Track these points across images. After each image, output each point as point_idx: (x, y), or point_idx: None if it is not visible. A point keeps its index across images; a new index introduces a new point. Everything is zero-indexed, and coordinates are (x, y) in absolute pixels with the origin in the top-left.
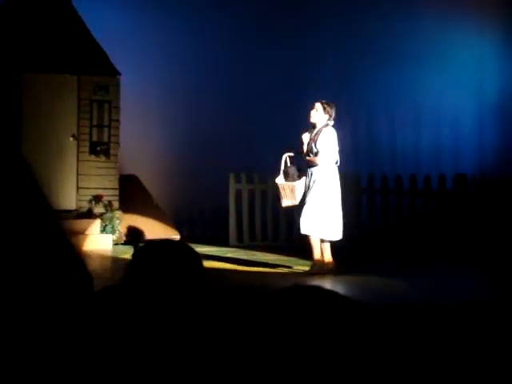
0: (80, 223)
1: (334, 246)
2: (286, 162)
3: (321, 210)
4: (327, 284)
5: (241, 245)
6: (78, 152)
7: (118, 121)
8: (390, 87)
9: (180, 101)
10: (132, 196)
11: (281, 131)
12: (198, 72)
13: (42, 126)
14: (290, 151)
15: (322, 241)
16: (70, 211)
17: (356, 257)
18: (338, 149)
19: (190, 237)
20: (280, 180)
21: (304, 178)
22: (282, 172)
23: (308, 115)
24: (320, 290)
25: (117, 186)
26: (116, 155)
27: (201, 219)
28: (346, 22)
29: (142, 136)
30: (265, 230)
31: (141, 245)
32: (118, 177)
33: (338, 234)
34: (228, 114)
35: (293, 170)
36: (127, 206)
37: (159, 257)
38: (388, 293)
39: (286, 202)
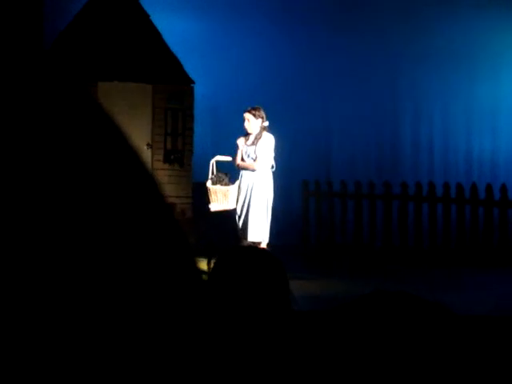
0: None
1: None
2: (213, 167)
3: (264, 215)
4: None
5: None
6: (153, 160)
7: (191, 129)
8: (466, 95)
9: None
10: (205, 204)
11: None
12: (270, 80)
13: None
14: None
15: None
16: None
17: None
18: (273, 154)
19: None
20: (211, 184)
21: (237, 182)
22: (211, 176)
23: (243, 127)
24: (405, 295)
25: (190, 194)
26: (190, 163)
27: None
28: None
29: (215, 144)
30: None
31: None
32: (191, 185)
33: (267, 237)
34: (300, 121)
35: (224, 175)
36: (200, 214)
37: (244, 264)
38: (471, 303)
39: (217, 206)
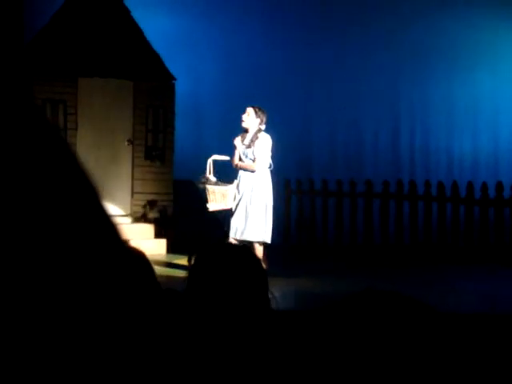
0: (134, 228)
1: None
2: (210, 167)
3: (263, 215)
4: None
5: None
6: (133, 157)
7: (172, 126)
8: (447, 93)
9: (234, 106)
10: (186, 201)
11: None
12: (252, 77)
13: (98, 131)
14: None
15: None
16: (124, 216)
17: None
18: (271, 154)
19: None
20: (209, 184)
21: (235, 182)
22: (207, 176)
23: (240, 120)
24: (396, 294)
25: (171, 192)
26: (171, 160)
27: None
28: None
29: (197, 141)
30: None
31: (196, 251)
32: (172, 182)
33: (269, 237)
34: (283, 119)
35: (215, 178)
36: (181, 211)
37: (223, 261)
38: (451, 301)
39: (215, 205)
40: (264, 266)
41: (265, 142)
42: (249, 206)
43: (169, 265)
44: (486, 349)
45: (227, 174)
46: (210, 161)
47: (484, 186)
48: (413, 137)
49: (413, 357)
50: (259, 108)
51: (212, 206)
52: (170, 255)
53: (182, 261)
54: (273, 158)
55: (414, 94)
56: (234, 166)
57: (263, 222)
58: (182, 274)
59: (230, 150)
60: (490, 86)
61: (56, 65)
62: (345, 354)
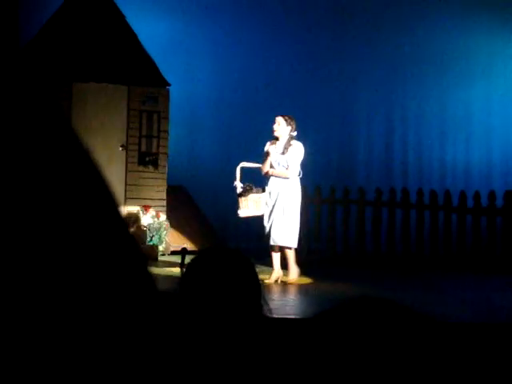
0: None
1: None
2: (239, 174)
3: (294, 221)
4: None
5: None
6: (127, 162)
7: (166, 131)
8: (440, 102)
9: (229, 112)
10: (179, 207)
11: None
12: (248, 82)
13: (91, 136)
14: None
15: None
16: None
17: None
18: (301, 162)
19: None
20: (238, 192)
21: (267, 189)
22: (239, 184)
23: (271, 130)
24: (387, 301)
25: (164, 197)
26: (164, 166)
27: (246, 232)
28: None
29: (190, 147)
30: None
31: (187, 256)
32: (165, 187)
33: (296, 242)
34: None
35: (251, 187)
36: (174, 216)
37: (216, 265)
38: (442, 309)
39: (246, 212)
40: (296, 268)
41: (298, 150)
42: (281, 214)
43: (162, 267)
44: (477, 358)
45: (250, 179)
46: (238, 168)
47: (476, 194)
48: (406, 145)
49: (406, 365)
50: (289, 116)
51: (243, 213)
52: (164, 260)
53: (175, 265)
54: (302, 165)
55: (406, 103)
56: (263, 173)
57: (296, 228)
58: (175, 273)
59: (227, 155)
60: (483, 96)
61: (51, 70)
62: (338, 361)
